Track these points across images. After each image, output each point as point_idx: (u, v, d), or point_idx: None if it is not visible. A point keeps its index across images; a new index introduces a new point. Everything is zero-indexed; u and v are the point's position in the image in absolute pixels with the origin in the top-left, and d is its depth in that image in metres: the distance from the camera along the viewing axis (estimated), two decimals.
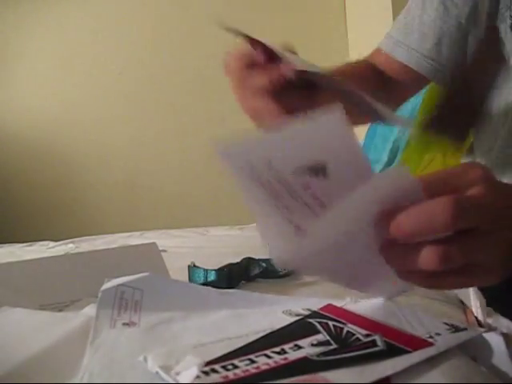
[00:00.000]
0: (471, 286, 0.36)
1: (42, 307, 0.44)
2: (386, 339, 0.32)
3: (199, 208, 2.01)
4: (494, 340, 0.36)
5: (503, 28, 0.65)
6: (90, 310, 0.39)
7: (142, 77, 1.98)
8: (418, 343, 0.32)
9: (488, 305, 0.50)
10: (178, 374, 0.27)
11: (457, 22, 0.68)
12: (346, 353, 0.30)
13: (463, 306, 0.64)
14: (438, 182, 0.31)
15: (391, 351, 0.31)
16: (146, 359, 0.29)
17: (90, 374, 0.28)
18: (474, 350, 0.34)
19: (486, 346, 0.35)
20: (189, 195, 1.98)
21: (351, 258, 0.34)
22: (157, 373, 0.28)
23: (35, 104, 1.97)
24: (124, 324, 0.34)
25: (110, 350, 0.31)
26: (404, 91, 0.75)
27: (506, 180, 0.38)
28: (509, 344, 0.35)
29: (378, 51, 0.76)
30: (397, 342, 0.32)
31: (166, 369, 0.27)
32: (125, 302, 0.36)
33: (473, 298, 0.58)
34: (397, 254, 0.31)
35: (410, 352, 0.31)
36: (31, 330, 0.36)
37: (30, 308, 0.39)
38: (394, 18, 1.48)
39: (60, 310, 0.45)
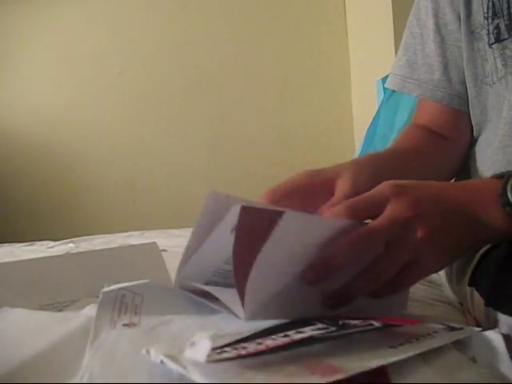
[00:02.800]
0: (420, 279, 0.42)
1: (42, 307, 0.44)
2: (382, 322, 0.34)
3: (199, 208, 2.01)
4: (494, 340, 0.36)
5: (481, 46, 0.65)
6: (89, 310, 0.39)
7: (141, 76, 1.97)
8: (411, 321, 0.37)
9: (486, 304, 0.50)
10: (192, 344, 0.27)
11: (456, 48, 0.68)
12: (346, 330, 0.33)
13: (462, 308, 0.64)
14: (362, 205, 0.41)
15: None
16: (148, 351, 0.28)
17: (90, 374, 0.28)
18: (473, 350, 0.34)
19: (486, 346, 0.35)
20: (189, 195, 1.98)
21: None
22: (162, 362, 0.27)
23: (34, 104, 1.97)
24: (124, 325, 0.34)
25: (110, 350, 0.31)
26: (454, 138, 0.73)
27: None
28: (509, 344, 0.35)
29: (420, 106, 0.76)
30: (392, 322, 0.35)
31: (171, 357, 0.27)
32: (125, 305, 0.36)
33: (471, 299, 0.59)
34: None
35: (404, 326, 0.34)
36: (31, 330, 0.36)
37: (29, 308, 0.39)
38: (394, 18, 1.48)
39: (60, 310, 0.44)
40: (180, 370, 0.26)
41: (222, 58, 2.00)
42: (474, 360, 0.34)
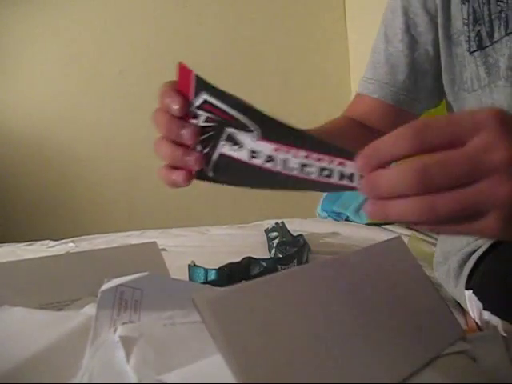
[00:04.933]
0: (467, 234, 0.34)
1: (42, 306, 0.44)
2: None
3: (199, 207, 2.01)
4: (494, 340, 0.36)
5: (460, 52, 0.64)
6: (89, 309, 0.39)
7: (141, 76, 1.97)
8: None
9: (485, 308, 0.50)
10: None
11: (424, 50, 0.67)
12: None
13: (462, 310, 0.64)
14: (434, 131, 0.30)
15: None
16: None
17: (90, 374, 0.28)
18: (474, 351, 0.34)
19: (486, 347, 0.35)
20: (189, 194, 1.98)
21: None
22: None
23: (34, 103, 1.97)
24: (124, 323, 0.34)
25: (110, 350, 0.31)
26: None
27: None
28: (508, 345, 0.35)
29: (356, 99, 0.74)
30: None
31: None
32: (124, 302, 0.36)
33: (469, 303, 0.59)
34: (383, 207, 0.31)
35: None
36: (31, 329, 0.36)
37: (29, 307, 0.39)
38: None
39: (60, 309, 0.45)
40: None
41: (222, 57, 2.00)
42: (474, 359, 0.34)
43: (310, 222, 1.32)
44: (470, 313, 0.59)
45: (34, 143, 1.97)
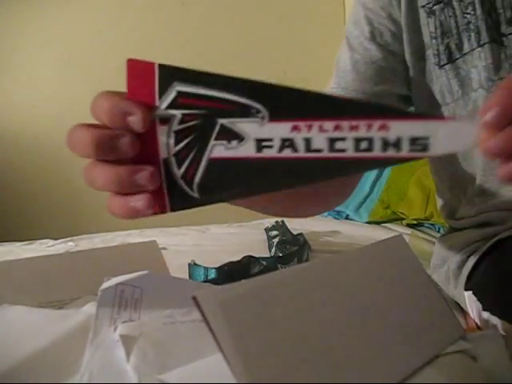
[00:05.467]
0: None
1: (42, 305, 0.44)
2: None
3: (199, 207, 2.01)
4: (494, 340, 0.36)
5: (428, 67, 0.63)
6: (89, 308, 0.39)
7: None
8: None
9: (484, 309, 0.50)
10: None
11: (392, 59, 0.64)
12: None
13: (462, 311, 0.64)
14: None
15: None
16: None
17: (90, 373, 0.28)
18: (474, 350, 0.34)
19: (486, 346, 0.35)
20: None
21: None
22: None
23: (34, 102, 1.97)
24: (124, 322, 0.34)
25: (110, 349, 0.31)
26: None
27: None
28: (509, 344, 0.35)
29: None
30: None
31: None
32: (124, 301, 0.36)
33: (469, 304, 0.59)
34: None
35: None
36: (31, 327, 0.36)
37: (29, 306, 0.39)
38: None
39: (60, 308, 0.44)
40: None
41: (222, 55, 2.00)
42: (474, 359, 0.34)
43: (310, 220, 1.32)
44: (470, 313, 0.59)
45: (34, 142, 1.97)
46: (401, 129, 0.26)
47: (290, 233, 1.04)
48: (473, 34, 0.60)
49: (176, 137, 0.30)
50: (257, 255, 0.71)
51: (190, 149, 0.30)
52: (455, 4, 0.60)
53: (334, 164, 0.28)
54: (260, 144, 0.29)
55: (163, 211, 0.33)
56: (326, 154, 0.28)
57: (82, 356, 0.30)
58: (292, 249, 0.86)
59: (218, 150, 0.29)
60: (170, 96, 0.29)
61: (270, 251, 0.94)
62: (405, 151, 0.27)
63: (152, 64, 0.29)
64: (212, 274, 0.63)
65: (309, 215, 0.68)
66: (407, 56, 0.64)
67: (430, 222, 1.28)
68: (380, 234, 1.17)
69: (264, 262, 0.68)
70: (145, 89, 0.30)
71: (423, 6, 0.62)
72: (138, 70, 0.30)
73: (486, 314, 0.47)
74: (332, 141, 0.27)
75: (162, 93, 0.29)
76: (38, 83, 1.98)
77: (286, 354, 0.27)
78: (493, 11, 0.59)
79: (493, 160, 0.27)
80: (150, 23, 2.01)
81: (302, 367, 0.27)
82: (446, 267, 0.69)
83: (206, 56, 1.97)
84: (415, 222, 1.29)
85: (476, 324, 0.53)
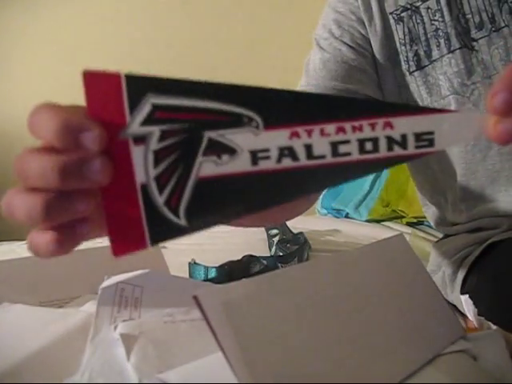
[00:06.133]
0: None
1: (42, 304, 0.44)
2: None
3: None
4: (494, 340, 0.36)
5: (398, 73, 0.62)
6: (90, 307, 0.39)
7: (141, 73, 1.97)
8: None
9: (479, 314, 0.50)
10: None
11: (363, 60, 0.63)
12: None
13: (461, 313, 0.64)
14: None
15: None
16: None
17: (91, 372, 0.28)
18: (474, 349, 0.34)
19: (486, 346, 0.35)
20: None
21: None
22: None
23: (34, 101, 1.96)
24: (124, 321, 0.34)
25: (110, 348, 0.31)
26: None
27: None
28: (509, 344, 0.35)
29: None
30: None
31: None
32: (125, 299, 0.36)
33: (466, 307, 0.59)
34: None
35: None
36: (31, 326, 0.36)
37: (29, 304, 0.39)
38: None
39: (60, 307, 0.44)
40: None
41: (222, 56, 2.00)
42: (474, 359, 0.34)
43: (310, 219, 1.32)
44: (468, 316, 0.59)
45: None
46: (405, 125, 0.25)
47: (291, 232, 1.04)
48: (442, 41, 0.59)
49: (155, 157, 0.25)
50: (257, 254, 0.71)
51: (173, 170, 0.26)
52: (423, 11, 0.60)
53: (339, 169, 0.26)
54: (255, 156, 0.26)
55: (142, 247, 0.28)
56: (329, 159, 0.26)
57: (82, 355, 0.30)
58: (292, 248, 0.86)
59: (207, 167, 0.26)
60: (144, 110, 0.25)
61: (271, 250, 0.94)
62: (411, 148, 0.25)
63: (117, 75, 0.26)
64: (212, 273, 0.63)
65: (275, 224, 0.67)
66: (381, 62, 0.63)
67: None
68: (380, 233, 1.16)
69: (264, 261, 0.68)
70: (110, 105, 0.25)
71: (391, 13, 0.61)
72: (99, 83, 0.26)
73: (482, 319, 0.47)
74: (335, 145, 0.25)
75: (133, 108, 0.25)
76: (38, 82, 1.98)
77: (287, 353, 0.27)
78: (461, 17, 0.59)
79: (504, 145, 0.26)
80: (150, 22, 2.01)
81: (302, 367, 0.27)
82: (441, 272, 0.69)
83: (206, 57, 1.97)
84: (415, 220, 1.29)
85: (475, 326, 0.53)
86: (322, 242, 1.08)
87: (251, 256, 0.69)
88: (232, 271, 0.63)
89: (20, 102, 1.97)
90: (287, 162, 0.26)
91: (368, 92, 0.63)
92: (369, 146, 0.25)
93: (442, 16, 0.59)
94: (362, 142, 0.25)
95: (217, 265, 0.65)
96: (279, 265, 0.72)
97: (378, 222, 1.36)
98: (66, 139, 0.25)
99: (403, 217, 1.35)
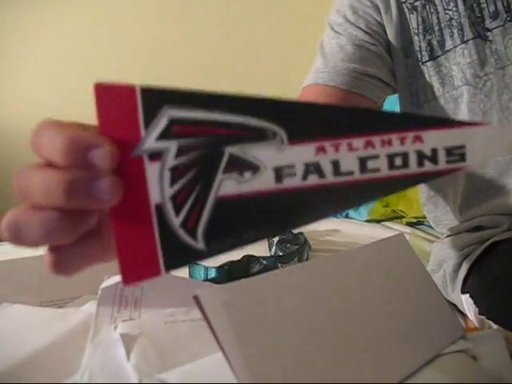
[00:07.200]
0: None
1: (42, 304, 0.44)
2: None
3: None
4: (494, 340, 0.36)
5: (411, 63, 0.62)
6: (90, 307, 0.39)
7: (140, 72, 1.97)
8: None
9: (480, 313, 0.50)
10: None
11: (379, 44, 0.63)
12: None
13: (461, 313, 0.64)
14: None
15: None
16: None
17: (91, 372, 0.28)
18: (474, 349, 0.34)
19: (486, 346, 0.35)
20: None
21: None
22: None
23: (34, 101, 1.97)
24: (124, 321, 0.34)
25: (110, 348, 0.31)
26: None
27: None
28: (509, 344, 0.35)
29: (303, 93, 0.68)
30: None
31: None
32: (125, 299, 0.36)
33: (466, 307, 0.59)
34: None
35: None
36: (31, 326, 0.36)
37: (30, 305, 0.39)
38: None
39: (60, 307, 0.44)
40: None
41: (222, 57, 2.00)
42: (474, 359, 0.34)
43: None
44: (469, 316, 0.59)
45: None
46: (435, 139, 0.23)
47: (290, 232, 1.04)
48: (455, 31, 0.59)
49: (172, 175, 0.23)
50: (257, 254, 0.71)
51: (191, 188, 0.24)
52: (437, 0, 0.60)
53: (367, 186, 0.24)
54: (280, 173, 0.24)
55: (155, 274, 0.25)
56: (357, 176, 0.24)
57: (82, 355, 0.30)
58: (292, 248, 0.86)
59: (228, 185, 0.24)
60: (161, 124, 0.23)
61: (270, 250, 0.94)
62: (442, 163, 0.24)
63: (132, 88, 0.23)
64: (212, 273, 0.63)
65: None
66: (395, 50, 0.63)
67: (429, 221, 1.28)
68: (380, 233, 1.16)
69: (264, 261, 0.68)
70: (124, 120, 0.23)
71: (405, 2, 0.61)
72: (112, 97, 0.23)
73: (482, 318, 0.47)
74: (363, 160, 0.24)
75: (149, 122, 0.23)
76: (37, 82, 1.97)
77: (287, 353, 0.27)
78: (476, 6, 0.58)
79: None
80: (150, 21, 2.01)
81: (302, 367, 0.27)
82: (442, 271, 0.69)
83: (207, 58, 1.97)
84: (415, 221, 1.29)
85: (475, 326, 0.53)
86: (322, 242, 1.08)
87: (251, 256, 0.69)
88: (232, 271, 0.63)
89: (21, 102, 1.98)
90: (313, 180, 0.24)
91: (383, 77, 0.63)
92: (398, 161, 0.24)
93: (456, 5, 0.59)
94: (391, 158, 0.24)
95: (217, 265, 0.65)
96: (279, 265, 0.72)
97: (377, 222, 1.36)
98: (73, 157, 0.23)
99: (403, 217, 1.34)
